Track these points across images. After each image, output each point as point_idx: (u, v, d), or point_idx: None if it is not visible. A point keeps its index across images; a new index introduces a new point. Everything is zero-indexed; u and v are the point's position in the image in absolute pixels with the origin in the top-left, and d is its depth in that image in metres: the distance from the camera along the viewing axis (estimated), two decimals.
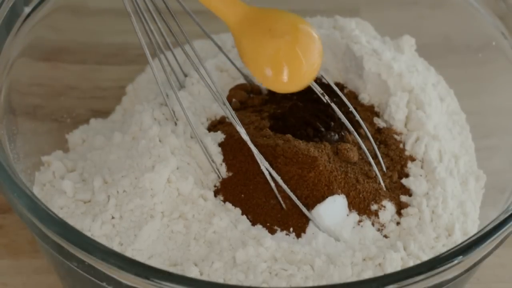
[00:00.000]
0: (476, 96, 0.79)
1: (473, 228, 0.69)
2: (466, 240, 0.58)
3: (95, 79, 0.83)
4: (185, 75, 0.76)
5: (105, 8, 0.83)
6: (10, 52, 0.71)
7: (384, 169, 0.70)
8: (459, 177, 0.72)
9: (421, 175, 0.70)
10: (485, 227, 0.59)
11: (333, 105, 0.67)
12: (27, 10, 0.72)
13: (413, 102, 0.74)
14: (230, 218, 0.65)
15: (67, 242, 0.56)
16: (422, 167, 0.71)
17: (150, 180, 0.64)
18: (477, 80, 0.80)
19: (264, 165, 0.65)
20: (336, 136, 0.70)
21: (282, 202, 0.66)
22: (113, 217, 0.64)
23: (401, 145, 0.72)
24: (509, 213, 0.60)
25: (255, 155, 0.65)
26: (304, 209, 0.65)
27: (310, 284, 0.61)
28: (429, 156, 0.71)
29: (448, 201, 0.69)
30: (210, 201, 0.66)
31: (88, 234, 0.62)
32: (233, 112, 0.67)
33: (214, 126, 0.72)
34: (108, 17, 0.83)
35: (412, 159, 0.71)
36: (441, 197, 0.68)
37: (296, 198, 0.65)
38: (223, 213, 0.65)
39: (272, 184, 0.65)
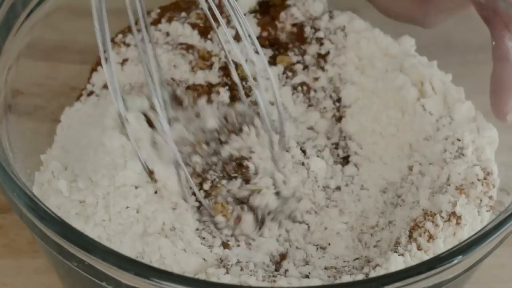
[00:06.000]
0: (476, 96, 0.79)
1: None
2: (466, 240, 0.58)
3: None
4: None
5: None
6: (10, 52, 0.71)
7: None
8: None
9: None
10: (485, 227, 0.59)
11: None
12: (27, 10, 0.72)
13: None
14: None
15: (67, 242, 0.56)
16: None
17: (125, 178, 0.64)
18: (477, 80, 0.80)
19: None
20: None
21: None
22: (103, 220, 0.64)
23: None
24: (509, 213, 0.60)
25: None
26: None
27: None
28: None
29: None
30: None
31: None
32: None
33: None
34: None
35: None
36: None
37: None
38: None
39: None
